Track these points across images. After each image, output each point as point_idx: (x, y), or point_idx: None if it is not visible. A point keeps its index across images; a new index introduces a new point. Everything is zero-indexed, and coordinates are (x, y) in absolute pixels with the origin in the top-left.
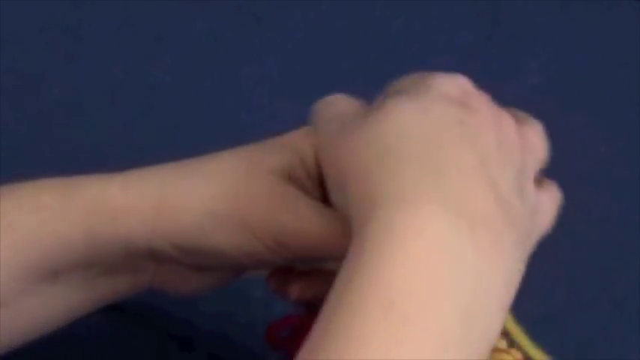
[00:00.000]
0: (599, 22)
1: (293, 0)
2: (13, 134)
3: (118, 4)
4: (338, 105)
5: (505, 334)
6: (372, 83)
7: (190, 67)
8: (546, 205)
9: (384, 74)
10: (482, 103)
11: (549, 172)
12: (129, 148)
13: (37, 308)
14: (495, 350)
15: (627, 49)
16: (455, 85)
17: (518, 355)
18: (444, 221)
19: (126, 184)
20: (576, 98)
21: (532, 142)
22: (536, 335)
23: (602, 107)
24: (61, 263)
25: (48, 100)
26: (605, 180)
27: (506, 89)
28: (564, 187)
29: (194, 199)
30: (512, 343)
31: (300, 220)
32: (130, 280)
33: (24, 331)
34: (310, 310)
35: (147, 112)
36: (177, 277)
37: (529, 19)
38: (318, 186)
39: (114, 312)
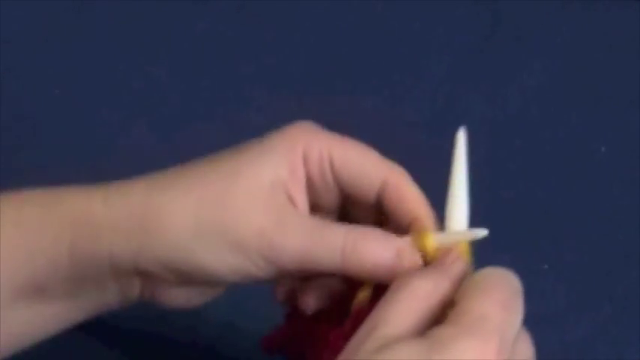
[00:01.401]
0: (599, 22)
1: (293, 0)
2: (13, 134)
3: (118, 4)
4: None
5: None
6: (372, 83)
7: (190, 67)
8: None
9: (384, 74)
10: None
11: (550, 172)
12: (129, 148)
13: (24, 324)
14: None
15: (627, 49)
16: None
17: None
18: None
19: (108, 199)
20: (576, 98)
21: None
22: (537, 335)
23: (602, 107)
24: (47, 279)
25: (48, 100)
26: (605, 180)
27: (506, 89)
28: (564, 187)
29: (177, 220)
30: None
31: (286, 234)
32: (118, 293)
33: (11, 345)
34: (303, 316)
35: (146, 112)
36: (166, 291)
37: (529, 19)
38: (309, 192)
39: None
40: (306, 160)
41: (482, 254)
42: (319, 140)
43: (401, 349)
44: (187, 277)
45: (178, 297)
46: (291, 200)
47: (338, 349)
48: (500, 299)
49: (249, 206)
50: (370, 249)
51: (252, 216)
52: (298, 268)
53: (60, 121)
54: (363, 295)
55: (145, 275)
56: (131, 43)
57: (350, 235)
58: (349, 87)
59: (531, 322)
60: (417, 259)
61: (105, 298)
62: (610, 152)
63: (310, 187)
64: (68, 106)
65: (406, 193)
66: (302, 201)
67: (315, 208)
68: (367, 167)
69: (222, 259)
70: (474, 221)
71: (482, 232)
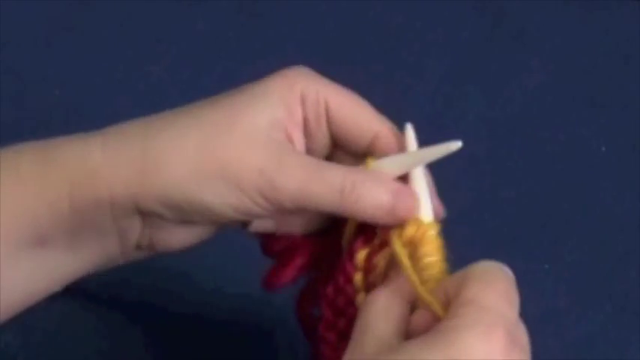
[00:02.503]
0: (600, 21)
1: (293, 0)
2: (13, 134)
3: (118, 4)
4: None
5: None
6: (373, 82)
7: (190, 67)
8: None
9: (384, 73)
10: None
11: (550, 172)
12: None
13: (27, 277)
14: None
15: (627, 49)
16: None
17: None
18: None
19: (105, 144)
20: (577, 98)
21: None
22: (537, 335)
23: (602, 107)
24: (49, 230)
25: (48, 100)
26: (605, 180)
27: (506, 89)
28: (565, 186)
29: (176, 158)
30: None
31: (286, 173)
32: (118, 240)
33: (17, 301)
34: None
35: (147, 112)
36: (164, 233)
37: (530, 18)
38: (304, 133)
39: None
40: (303, 101)
41: (483, 254)
42: (317, 83)
43: (407, 350)
44: (187, 216)
45: (177, 237)
46: (289, 140)
47: (332, 302)
48: (502, 290)
49: (248, 146)
50: (369, 190)
51: (252, 155)
52: (297, 205)
53: (60, 121)
54: (349, 232)
55: (145, 215)
56: (131, 43)
57: (349, 176)
58: (349, 86)
59: (531, 322)
60: (414, 202)
61: (105, 247)
62: (610, 152)
63: (305, 129)
64: (68, 106)
65: (395, 147)
66: (299, 141)
67: (308, 152)
68: (361, 117)
69: (222, 198)
70: (473, 219)
71: (455, 145)
